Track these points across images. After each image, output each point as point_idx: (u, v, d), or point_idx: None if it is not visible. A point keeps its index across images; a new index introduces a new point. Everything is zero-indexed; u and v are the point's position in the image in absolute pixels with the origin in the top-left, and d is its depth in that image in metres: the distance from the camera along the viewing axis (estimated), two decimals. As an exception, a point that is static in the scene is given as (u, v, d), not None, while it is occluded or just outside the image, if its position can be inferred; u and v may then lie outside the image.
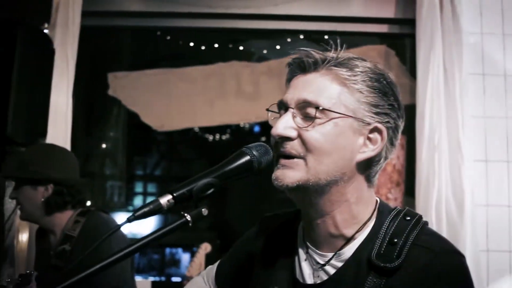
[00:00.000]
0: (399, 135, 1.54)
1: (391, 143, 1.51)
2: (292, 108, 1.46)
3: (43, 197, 2.90)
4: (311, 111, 1.43)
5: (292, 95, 1.47)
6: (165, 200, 1.18)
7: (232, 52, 4.71)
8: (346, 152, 1.45)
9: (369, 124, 1.46)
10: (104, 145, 4.96)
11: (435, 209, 3.49)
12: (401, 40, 4.27)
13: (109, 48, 4.83)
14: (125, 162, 5.10)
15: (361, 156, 1.48)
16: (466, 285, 1.39)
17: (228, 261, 1.89)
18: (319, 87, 1.45)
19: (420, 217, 1.50)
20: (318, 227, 1.51)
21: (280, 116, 1.51)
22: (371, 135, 1.48)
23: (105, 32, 4.61)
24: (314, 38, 4.43)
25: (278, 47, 4.67)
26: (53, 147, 3.12)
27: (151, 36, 4.81)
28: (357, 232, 1.50)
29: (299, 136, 1.44)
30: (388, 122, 1.48)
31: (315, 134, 1.43)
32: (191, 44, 4.74)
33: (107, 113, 4.83)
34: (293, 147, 1.44)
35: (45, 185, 2.90)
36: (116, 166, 5.17)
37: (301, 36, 4.48)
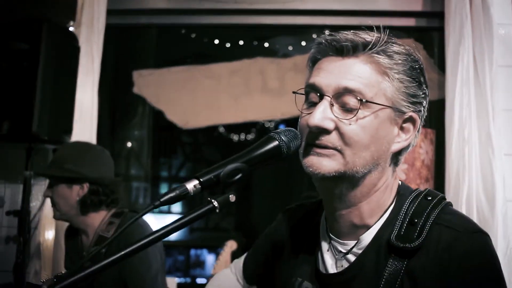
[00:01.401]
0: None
1: (419, 130, 1.48)
2: (329, 96, 1.38)
3: (79, 196, 2.87)
4: (352, 101, 1.36)
5: (329, 81, 1.39)
6: (191, 185, 1.15)
7: (257, 49, 4.68)
8: (383, 143, 1.41)
9: (404, 113, 1.42)
10: (129, 144, 4.95)
11: (466, 205, 3.42)
12: (428, 33, 4.20)
13: (134, 46, 4.83)
14: (150, 162, 5.09)
15: (396, 147, 1.44)
16: (492, 265, 1.33)
17: (254, 254, 1.87)
18: (360, 75, 1.38)
19: (443, 197, 1.45)
20: (342, 218, 1.48)
21: (308, 99, 1.45)
22: (404, 125, 1.44)
23: (130, 30, 4.62)
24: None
25: (303, 43, 4.63)
26: (89, 145, 3.11)
27: (176, 34, 4.80)
28: (378, 219, 1.46)
29: (337, 128, 1.37)
30: (420, 111, 1.45)
31: (356, 128, 1.36)
32: (216, 41, 4.72)
33: (132, 111, 4.83)
34: (330, 140, 1.38)
35: (81, 184, 2.87)
36: (141, 166, 5.16)
37: (327, 32, 4.41)
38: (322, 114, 1.36)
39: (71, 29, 3.66)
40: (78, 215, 2.91)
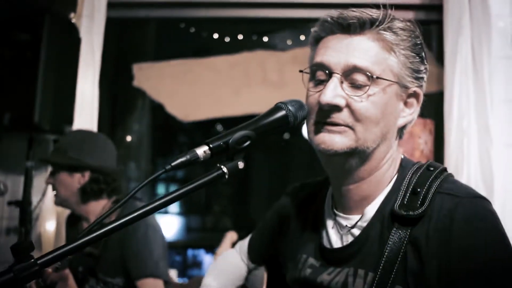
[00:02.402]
0: None
1: (420, 102, 1.52)
2: (338, 74, 1.40)
3: (79, 184, 2.89)
4: (361, 78, 1.39)
5: (338, 59, 1.40)
6: (201, 150, 1.17)
7: (256, 43, 4.68)
8: (391, 118, 1.44)
9: (408, 88, 1.45)
10: (128, 138, 4.96)
11: None
12: (426, 26, 4.20)
13: (134, 40, 4.84)
14: (150, 157, 5.09)
15: (401, 121, 1.47)
16: (494, 227, 1.34)
17: (259, 234, 1.89)
18: (368, 52, 1.40)
19: (444, 168, 1.48)
20: (350, 192, 1.50)
21: (315, 78, 1.46)
22: (408, 100, 1.47)
23: (130, 23, 4.63)
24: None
25: (302, 37, 4.64)
26: (92, 133, 3.12)
27: (175, 29, 4.81)
28: (382, 190, 1.48)
29: (348, 105, 1.39)
30: (422, 86, 1.49)
31: (367, 104, 1.39)
32: (215, 36, 4.73)
33: (132, 105, 4.84)
34: (341, 117, 1.39)
35: (82, 171, 2.88)
36: (140, 162, 5.17)
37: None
38: (334, 92, 1.38)
39: (72, 20, 3.66)
40: (78, 202, 2.92)
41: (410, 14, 4.03)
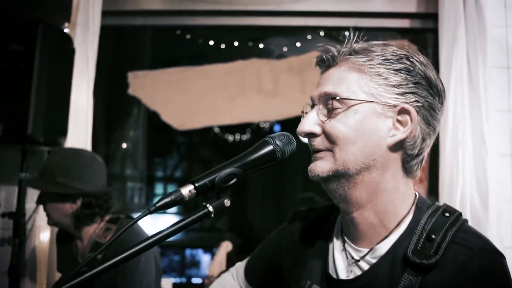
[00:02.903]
0: (439, 114, 1.50)
1: (428, 123, 1.46)
2: (316, 104, 1.47)
3: (72, 209, 2.82)
4: (331, 102, 1.43)
5: (317, 92, 1.48)
6: (186, 190, 1.16)
7: (252, 50, 4.67)
8: (372, 137, 1.42)
9: (395, 106, 1.42)
10: (124, 145, 4.94)
11: (459, 206, 3.42)
12: (422, 34, 4.21)
13: (129, 47, 4.82)
14: (145, 163, 5.08)
15: (391, 140, 1.43)
16: (505, 287, 1.32)
17: (259, 257, 1.86)
18: (338, 78, 1.45)
19: (460, 214, 1.44)
20: (355, 221, 1.49)
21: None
22: (400, 117, 1.44)
23: (126, 31, 4.61)
24: (335, 34, 4.38)
25: (298, 44, 4.63)
26: (79, 153, 2.98)
27: (171, 35, 4.79)
28: (394, 227, 1.46)
29: (323, 130, 1.45)
30: (416, 101, 1.43)
31: (336, 124, 1.42)
32: (211, 42, 4.71)
33: (127, 113, 4.82)
34: (319, 142, 1.45)
35: (73, 198, 2.82)
36: (136, 167, 5.16)
37: (322, 33, 4.43)
38: (308, 121, 1.46)
39: (66, 30, 3.64)
40: (72, 225, 2.87)
41: (405, 23, 4.04)
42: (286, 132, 1.42)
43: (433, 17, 3.82)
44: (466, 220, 1.43)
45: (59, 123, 3.37)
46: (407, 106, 1.42)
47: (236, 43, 4.69)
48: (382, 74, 1.42)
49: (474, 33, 3.55)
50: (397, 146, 1.44)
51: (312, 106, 1.50)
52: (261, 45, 4.70)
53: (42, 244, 3.59)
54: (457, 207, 3.35)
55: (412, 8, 3.98)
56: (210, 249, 7.45)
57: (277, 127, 6.08)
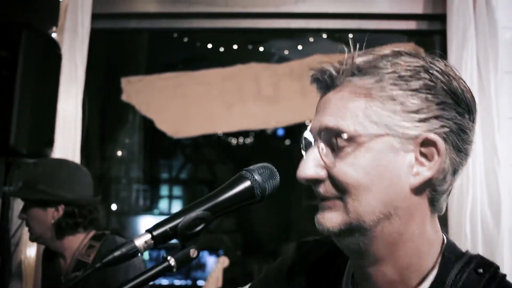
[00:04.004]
0: (472, 135, 1.20)
1: (459, 149, 1.17)
2: (317, 140, 1.18)
3: (53, 219, 2.72)
4: (334, 140, 1.15)
5: (315, 123, 1.20)
6: (141, 241, 0.96)
7: (252, 53, 4.52)
8: (390, 180, 1.13)
9: (416, 137, 1.13)
10: (119, 153, 4.80)
11: (470, 219, 3.25)
12: (429, 37, 4.03)
13: (124, 51, 4.68)
14: (141, 173, 4.94)
15: (415, 180, 1.14)
16: None
17: (260, 286, 1.63)
18: (340, 107, 1.16)
19: (496, 269, 1.17)
20: (371, 277, 1.21)
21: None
22: (423, 149, 1.15)
23: (120, 35, 4.48)
24: (338, 37, 4.22)
25: (300, 47, 4.47)
26: (63, 163, 2.91)
27: (168, 38, 4.65)
28: (416, 284, 1.18)
29: (329, 174, 1.16)
30: (443, 126, 1.14)
31: (344, 168, 1.13)
32: (209, 45, 4.56)
33: (122, 119, 4.68)
34: (326, 189, 1.16)
35: (56, 206, 2.72)
36: (131, 177, 5.02)
37: (324, 35, 4.26)
38: (309, 163, 1.17)
39: (53, 35, 3.48)
40: (54, 238, 2.75)
41: (411, 24, 3.87)
42: (268, 165, 1.18)
43: (441, 18, 3.64)
44: (503, 276, 1.17)
45: (45, 134, 3.24)
46: (431, 136, 1.13)
47: (235, 46, 4.54)
48: (397, 97, 1.13)
49: (485, 36, 3.37)
50: (423, 186, 1.16)
51: (308, 143, 1.21)
52: (261, 48, 4.55)
53: (28, 260, 3.43)
54: (467, 221, 3.24)
55: (418, 9, 3.79)
56: (216, 251, 7.39)
57: (280, 131, 5.93)
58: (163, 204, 11.41)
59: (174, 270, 0.97)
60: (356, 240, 1.16)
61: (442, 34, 3.64)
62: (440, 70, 1.16)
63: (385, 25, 3.89)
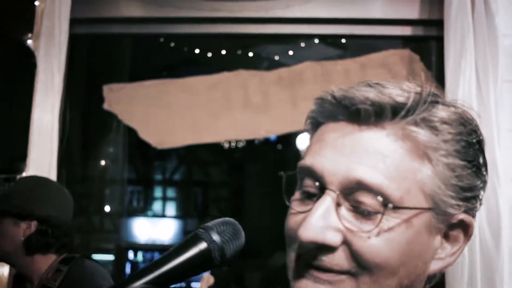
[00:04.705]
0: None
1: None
2: (334, 192, 0.91)
3: (24, 236, 2.58)
4: (370, 201, 0.90)
5: (335, 166, 0.91)
6: None
7: (241, 59, 4.36)
8: (419, 263, 0.93)
9: (451, 216, 0.95)
10: (103, 163, 4.64)
11: None
12: (426, 43, 3.87)
13: (108, 55, 4.52)
14: (125, 183, 4.80)
15: (437, 266, 0.97)
16: None
17: None
18: (386, 159, 0.90)
19: None
20: None
21: (303, 187, 0.97)
22: (451, 232, 0.97)
23: (104, 38, 4.30)
24: (330, 42, 4.06)
25: (291, 52, 4.30)
26: (44, 180, 2.82)
27: (154, 43, 4.49)
28: None
29: (347, 242, 0.91)
30: (474, 208, 0.98)
31: (379, 244, 0.89)
32: (197, 51, 4.40)
33: (105, 127, 4.52)
34: (336, 260, 0.91)
35: (28, 221, 2.59)
36: (114, 188, 4.87)
37: (316, 40, 4.10)
38: (322, 222, 0.89)
39: (29, 41, 3.31)
40: (23, 257, 2.60)
41: (407, 30, 3.71)
42: (231, 219, 0.95)
43: (438, 24, 3.47)
44: None
45: (18, 147, 3.10)
46: (467, 219, 0.96)
47: (223, 52, 4.38)
48: (455, 168, 0.93)
49: (484, 43, 3.22)
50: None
51: (322, 189, 0.92)
52: (250, 54, 4.39)
53: (1, 278, 3.26)
54: None
55: (414, 14, 3.62)
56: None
57: (273, 136, 5.78)
58: (156, 206, 11.30)
59: None
60: None
61: (439, 41, 3.49)
62: (483, 139, 0.98)
63: (379, 30, 3.73)
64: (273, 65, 4.19)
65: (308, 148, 1.00)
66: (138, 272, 0.85)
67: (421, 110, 0.92)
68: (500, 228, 3.06)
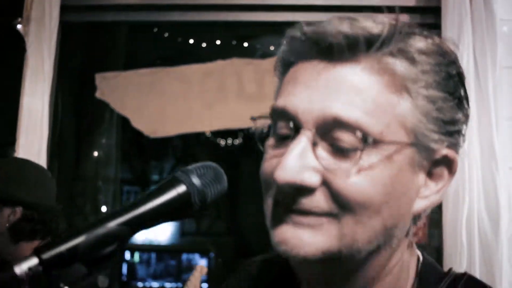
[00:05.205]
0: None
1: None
2: (310, 131, 0.87)
3: (9, 222, 2.50)
4: (348, 138, 0.85)
5: (309, 105, 0.87)
6: (24, 268, 0.70)
7: (236, 49, 4.33)
8: (402, 203, 0.89)
9: (434, 151, 0.90)
10: (95, 154, 4.60)
11: (466, 227, 3.07)
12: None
13: (102, 45, 4.50)
14: (119, 175, 4.76)
15: (420, 204, 0.92)
16: None
17: None
18: (362, 94, 0.86)
19: None
20: None
21: (277, 131, 0.93)
22: (435, 169, 0.92)
23: (97, 28, 4.30)
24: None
25: (286, 41, 4.27)
26: (28, 163, 2.72)
27: (147, 33, 4.46)
28: None
29: (325, 182, 0.86)
30: (457, 144, 0.94)
31: (359, 182, 0.84)
32: (191, 41, 4.37)
33: (99, 117, 4.49)
34: (316, 202, 0.86)
35: (13, 207, 2.51)
36: (108, 180, 4.83)
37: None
38: (299, 162, 0.85)
39: (19, 26, 3.27)
40: (7, 244, 2.53)
41: (404, 17, 3.65)
42: (212, 163, 0.90)
43: (435, 11, 3.47)
44: None
45: (6, 132, 3.04)
46: (451, 154, 0.92)
47: (218, 42, 4.35)
48: (436, 100, 0.88)
49: (482, 29, 3.21)
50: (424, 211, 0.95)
51: (297, 129, 0.88)
52: (245, 44, 4.36)
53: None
54: (463, 227, 3.06)
55: (411, 1, 3.62)
56: (207, 253, 7.33)
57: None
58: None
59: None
60: (333, 272, 0.91)
61: (436, 28, 3.43)
62: (462, 71, 0.94)
63: (376, 18, 3.70)
64: (268, 55, 4.19)
65: (279, 90, 0.97)
66: (114, 212, 0.79)
67: (397, 41, 0.87)
68: (499, 215, 3.05)
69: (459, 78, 0.92)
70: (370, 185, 0.84)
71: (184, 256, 10.80)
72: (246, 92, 3.78)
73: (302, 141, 0.86)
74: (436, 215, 3.32)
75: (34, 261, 0.70)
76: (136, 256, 10.52)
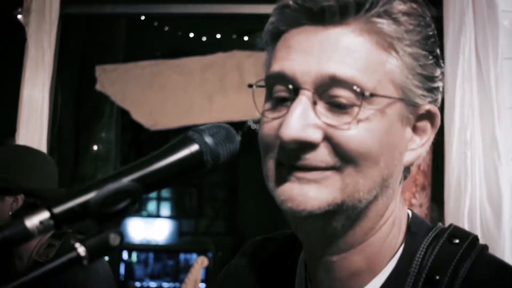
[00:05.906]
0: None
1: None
2: (309, 91, 0.91)
3: (11, 210, 2.47)
4: (345, 94, 0.90)
5: (306, 66, 0.92)
6: (36, 221, 0.68)
7: (236, 43, 4.33)
8: (396, 154, 0.96)
9: (418, 106, 0.97)
10: (95, 147, 4.60)
11: (468, 217, 3.09)
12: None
13: (102, 39, 4.51)
14: (118, 163, 4.76)
15: (410, 156, 1.00)
16: None
17: None
18: (355, 53, 0.92)
19: (476, 238, 0.99)
20: (332, 266, 1.00)
21: (273, 95, 0.96)
22: (419, 123, 0.99)
23: (98, 21, 4.31)
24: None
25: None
26: (28, 150, 2.70)
27: (148, 27, 4.46)
28: (383, 269, 1.00)
29: (327, 138, 0.91)
30: (437, 100, 1.01)
31: (360, 133, 0.91)
32: (191, 35, 4.38)
33: (99, 110, 4.49)
34: (319, 157, 0.91)
35: (14, 195, 2.47)
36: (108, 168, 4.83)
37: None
38: (302, 120, 0.90)
39: (19, 16, 3.28)
40: None
41: (405, 10, 3.69)
42: (225, 124, 0.89)
43: (437, 2, 3.42)
44: (485, 247, 0.99)
45: (7, 122, 3.06)
46: (433, 109, 0.99)
47: (218, 35, 4.36)
48: (419, 58, 0.95)
49: (484, 21, 3.21)
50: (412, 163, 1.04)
51: (295, 91, 0.92)
52: (245, 38, 4.37)
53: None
54: (465, 218, 3.08)
55: (412, -7, 3.61)
56: (205, 253, 7.31)
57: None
58: (151, 206, 11.24)
59: (85, 262, 0.69)
60: (336, 223, 0.94)
61: (438, 20, 3.46)
62: (435, 29, 1.00)
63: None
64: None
65: (273, 57, 1.00)
66: (126, 168, 0.78)
67: (382, 3, 0.93)
68: (501, 206, 3.06)
69: (435, 39, 0.99)
70: (368, 136, 0.91)
71: (182, 256, 10.84)
72: (246, 84, 3.79)
73: (303, 101, 0.91)
74: (438, 206, 3.34)
75: (45, 214, 0.68)
76: (134, 256, 10.52)
